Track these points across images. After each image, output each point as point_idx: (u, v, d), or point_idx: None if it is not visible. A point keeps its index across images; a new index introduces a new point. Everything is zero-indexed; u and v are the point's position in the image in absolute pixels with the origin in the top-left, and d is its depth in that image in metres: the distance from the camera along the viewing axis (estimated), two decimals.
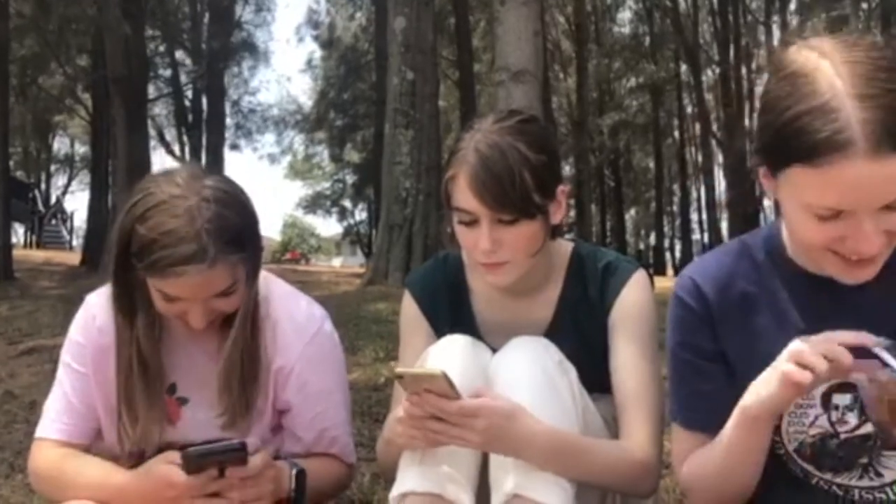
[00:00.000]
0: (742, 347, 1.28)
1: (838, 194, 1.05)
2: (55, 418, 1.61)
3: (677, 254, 30.22)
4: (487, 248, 1.43)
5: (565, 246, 1.60)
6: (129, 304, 1.51)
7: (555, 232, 1.54)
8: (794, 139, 1.06)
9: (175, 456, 1.39)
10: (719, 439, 1.25)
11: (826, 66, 1.07)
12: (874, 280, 1.17)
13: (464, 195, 1.44)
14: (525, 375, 1.34)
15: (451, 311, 1.60)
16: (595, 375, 1.48)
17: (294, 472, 1.50)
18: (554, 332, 1.53)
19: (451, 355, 1.40)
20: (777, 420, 1.24)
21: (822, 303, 1.23)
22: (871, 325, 1.17)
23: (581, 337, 1.53)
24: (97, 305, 1.63)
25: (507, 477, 1.28)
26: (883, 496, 1.23)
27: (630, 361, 1.48)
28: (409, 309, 1.63)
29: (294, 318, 1.60)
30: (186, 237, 1.37)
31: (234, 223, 1.43)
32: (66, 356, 1.65)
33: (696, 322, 1.31)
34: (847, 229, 1.08)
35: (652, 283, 1.57)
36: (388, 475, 1.42)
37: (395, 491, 1.32)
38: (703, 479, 1.30)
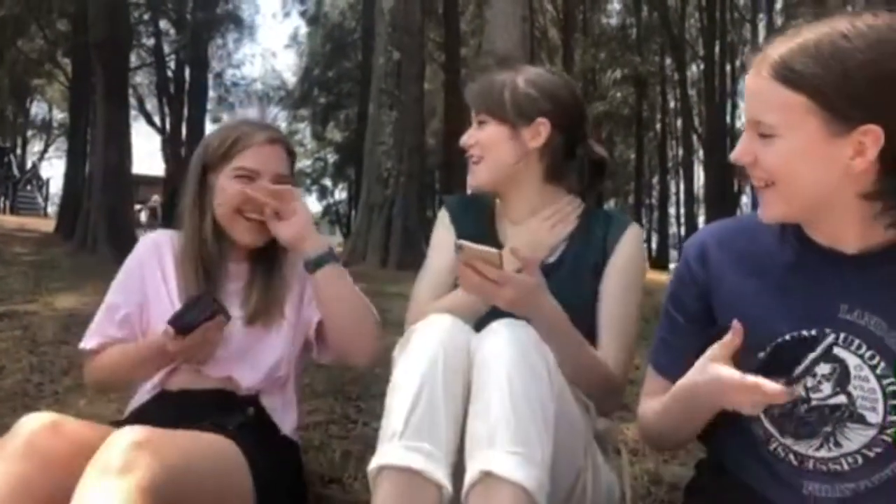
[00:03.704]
0: (735, 303, 1.34)
1: None
2: (94, 329, 1.90)
3: (654, 246, 30.41)
4: (465, 139, 1.82)
5: (579, 203, 1.87)
6: (201, 212, 1.87)
7: (557, 175, 1.82)
8: None
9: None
10: (663, 399, 1.40)
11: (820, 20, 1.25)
12: (881, 265, 1.24)
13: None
14: (504, 355, 1.35)
15: (476, 228, 1.84)
16: (575, 306, 1.64)
17: None
18: (556, 269, 1.75)
19: (436, 334, 1.41)
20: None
21: (824, 276, 1.28)
22: (863, 308, 1.25)
23: (575, 277, 1.75)
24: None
25: (480, 455, 1.29)
26: (837, 467, 1.28)
27: (617, 296, 1.72)
28: (442, 219, 1.91)
29: None
30: (263, 124, 1.96)
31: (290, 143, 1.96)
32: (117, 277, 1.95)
33: (687, 279, 1.42)
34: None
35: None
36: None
37: (374, 464, 1.32)
38: (648, 424, 1.47)
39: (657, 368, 1.48)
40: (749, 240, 1.37)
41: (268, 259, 1.90)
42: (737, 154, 1.27)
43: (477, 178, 1.82)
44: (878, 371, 1.23)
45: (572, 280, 1.73)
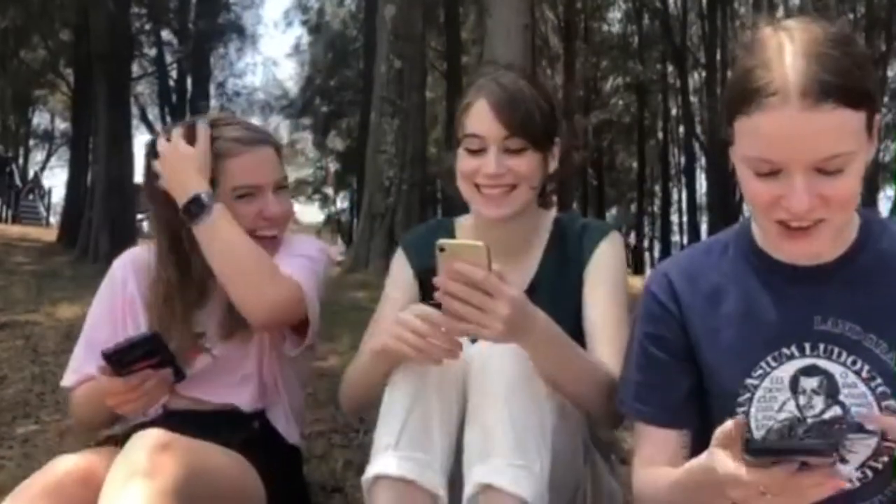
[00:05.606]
0: (709, 335, 1.32)
1: (769, 142, 1.10)
2: (73, 367, 1.84)
3: (656, 254, 30.39)
4: (492, 171, 1.54)
5: (549, 214, 1.69)
6: (172, 229, 1.74)
7: (545, 201, 1.66)
8: (739, 90, 1.14)
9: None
10: (668, 476, 1.25)
11: (782, 33, 1.15)
12: (843, 272, 1.24)
13: (479, 120, 1.56)
14: (502, 365, 1.35)
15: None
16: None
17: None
18: (533, 292, 1.57)
19: None
20: (746, 410, 1.27)
21: (792, 292, 1.27)
22: (836, 316, 1.24)
23: (556, 298, 1.59)
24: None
25: (479, 467, 1.28)
26: (848, 485, 1.23)
27: (600, 299, 1.59)
28: (397, 260, 1.75)
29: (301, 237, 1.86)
30: (240, 129, 1.77)
31: None
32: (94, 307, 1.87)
33: (664, 315, 1.35)
34: (782, 188, 1.12)
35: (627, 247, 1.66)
36: (353, 405, 1.59)
37: (369, 473, 1.31)
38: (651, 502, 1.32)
39: (646, 419, 1.37)
40: (712, 269, 1.35)
41: None
42: (807, 204, 1.11)
43: (511, 207, 1.59)
44: (864, 374, 1.23)
45: (552, 303, 1.53)
